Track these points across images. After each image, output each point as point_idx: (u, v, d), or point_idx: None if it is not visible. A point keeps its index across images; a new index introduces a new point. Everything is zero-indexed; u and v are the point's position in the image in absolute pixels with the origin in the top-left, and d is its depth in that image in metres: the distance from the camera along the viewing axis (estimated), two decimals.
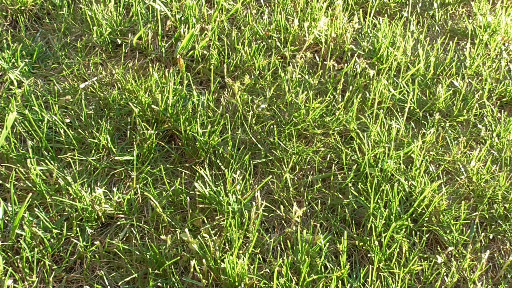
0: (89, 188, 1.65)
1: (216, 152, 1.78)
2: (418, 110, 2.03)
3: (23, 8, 2.29)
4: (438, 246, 1.62)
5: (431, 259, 1.57)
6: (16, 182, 1.66)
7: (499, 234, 1.67)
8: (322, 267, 1.50)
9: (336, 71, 2.15)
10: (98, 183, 1.68)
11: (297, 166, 1.79)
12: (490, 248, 1.65)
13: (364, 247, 1.59)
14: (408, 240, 1.60)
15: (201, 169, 1.70)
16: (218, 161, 1.76)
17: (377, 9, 2.54)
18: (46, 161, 1.69)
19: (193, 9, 2.25)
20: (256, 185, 1.73)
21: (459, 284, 1.54)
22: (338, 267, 1.51)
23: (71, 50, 2.16)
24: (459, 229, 1.64)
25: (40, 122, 1.80)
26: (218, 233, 1.58)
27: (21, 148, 1.74)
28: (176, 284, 1.45)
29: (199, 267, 1.46)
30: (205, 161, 1.77)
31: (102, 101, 1.93)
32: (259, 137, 1.86)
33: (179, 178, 1.70)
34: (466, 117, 2.03)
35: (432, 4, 2.63)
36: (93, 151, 1.75)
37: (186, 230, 1.49)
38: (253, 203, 1.60)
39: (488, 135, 1.97)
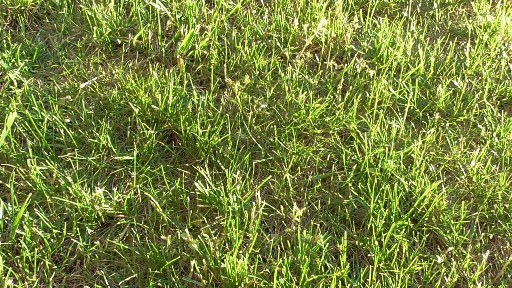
0: (89, 188, 1.65)
1: (216, 152, 1.78)
2: (418, 110, 2.03)
3: (23, 8, 2.29)
4: (438, 246, 1.62)
5: (431, 259, 1.57)
6: (16, 182, 1.66)
7: (499, 234, 1.67)
8: (322, 267, 1.50)
9: (336, 71, 2.15)
10: (98, 183, 1.68)
11: (297, 166, 1.79)
12: (490, 248, 1.65)
13: (364, 247, 1.59)
14: (408, 240, 1.60)
15: (201, 169, 1.70)
16: (218, 161, 1.76)
17: (377, 9, 2.54)
18: (46, 161, 1.69)
19: (193, 9, 2.25)
20: (256, 185, 1.73)
21: (459, 284, 1.54)
22: (338, 267, 1.51)
23: (71, 50, 2.16)
24: (459, 229, 1.64)
25: (40, 122, 1.80)
26: (218, 233, 1.58)
27: (21, 148, 1.74)
28: (176, 284, 1.45)
29: (199, 267, 1.46)
30: (205, 161, 1.77)
31: (102, 101, 1.93)
32: (259, 137, 1.86)
33: (179, 178, 1.70)
34: (466, 117, 2.03)
35: (432, 4, 2.63)
36: (93, 151, 1.75)
37: (186, 230, 1.49)
38: (253, 203, 1.60)
39: (488, 135, 1.97)
